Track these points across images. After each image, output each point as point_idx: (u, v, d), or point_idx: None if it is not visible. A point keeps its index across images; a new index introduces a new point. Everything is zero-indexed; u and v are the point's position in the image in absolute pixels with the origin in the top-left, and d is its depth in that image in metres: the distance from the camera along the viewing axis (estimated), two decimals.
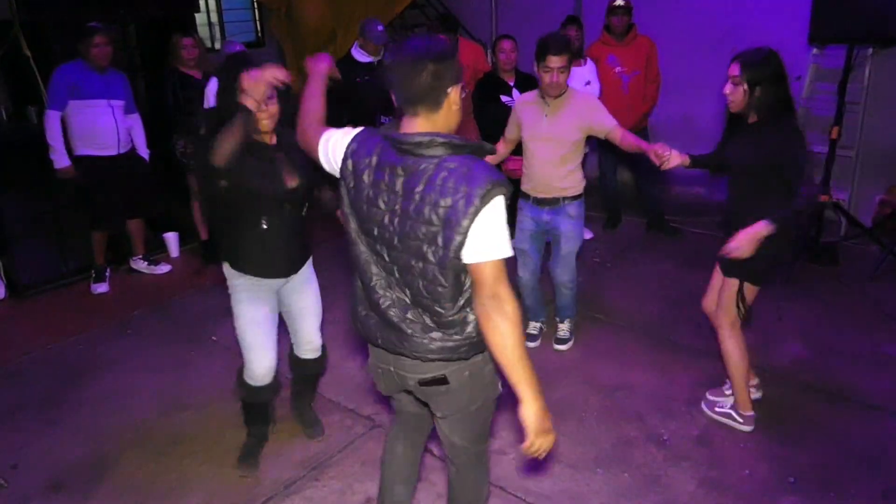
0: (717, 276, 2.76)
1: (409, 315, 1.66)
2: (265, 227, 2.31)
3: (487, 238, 1.51)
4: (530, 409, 1.55)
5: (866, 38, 3.93)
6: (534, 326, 3.55)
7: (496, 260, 1.52)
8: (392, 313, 1.68)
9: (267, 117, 2.22)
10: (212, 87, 4.28)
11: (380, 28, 4.32)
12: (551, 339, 3.53)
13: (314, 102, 1.92)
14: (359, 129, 1.72)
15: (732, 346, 2.71)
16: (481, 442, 1.93)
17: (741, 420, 2.81)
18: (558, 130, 3.06)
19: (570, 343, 3.52)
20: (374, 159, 1.62)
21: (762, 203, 2.42)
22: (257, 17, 6.63)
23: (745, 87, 2.42)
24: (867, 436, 2.77)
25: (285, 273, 2.47)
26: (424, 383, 1.74)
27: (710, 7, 5.24)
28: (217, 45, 5.87)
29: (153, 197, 4.51)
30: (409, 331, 1.66)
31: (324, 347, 2.74)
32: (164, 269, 4.65)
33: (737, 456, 2.67)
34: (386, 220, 1.61)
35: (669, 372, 3.23)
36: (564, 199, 3.19)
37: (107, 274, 4.40)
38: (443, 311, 1.61)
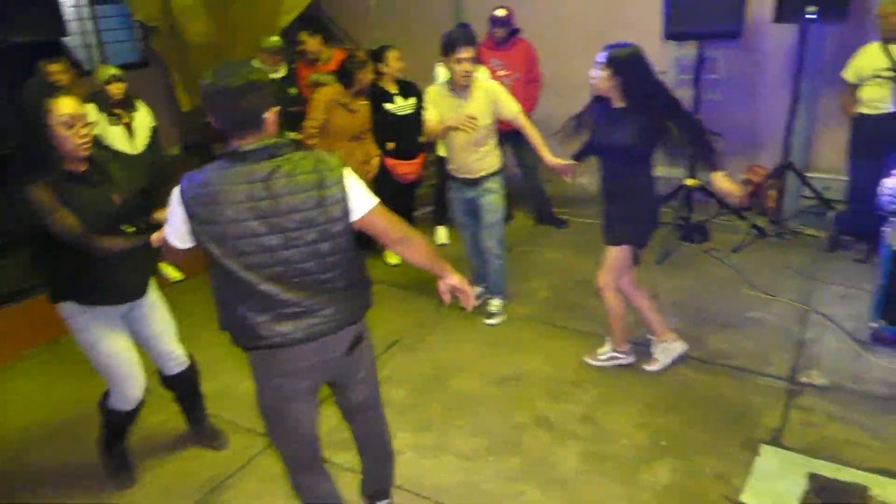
0: None
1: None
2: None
3: None
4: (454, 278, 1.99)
5: (713, 34, 4.32)
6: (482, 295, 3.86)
7: None
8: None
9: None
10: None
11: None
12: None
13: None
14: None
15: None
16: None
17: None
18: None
19: (500, 318, 3.77)
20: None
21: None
22: (140, 37, 6.43)
23: (609, 73, 2.76)
24: (732, 395, 3.04)
25: (139, 295, 2.48)
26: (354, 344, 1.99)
27: (584, 9, 5.54)
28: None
29: None
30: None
31: (191, 356, 2.76)
32: None
33: (617, 428, 2.87)
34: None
35: (558, 356, 3.42)
36: (483, 177, 3.51)
37: None
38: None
